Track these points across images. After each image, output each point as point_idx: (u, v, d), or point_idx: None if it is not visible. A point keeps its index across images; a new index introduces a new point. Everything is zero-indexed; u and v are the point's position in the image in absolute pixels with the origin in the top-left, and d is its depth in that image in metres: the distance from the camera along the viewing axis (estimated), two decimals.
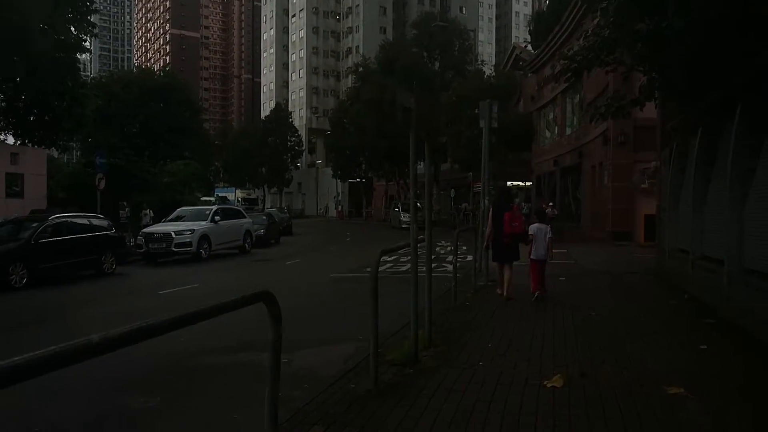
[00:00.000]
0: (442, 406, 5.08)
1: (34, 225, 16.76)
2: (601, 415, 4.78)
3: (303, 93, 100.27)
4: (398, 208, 46.69)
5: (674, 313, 9.44)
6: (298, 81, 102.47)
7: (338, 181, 69.25)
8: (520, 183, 50.01)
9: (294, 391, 6.27)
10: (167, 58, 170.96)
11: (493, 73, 40.65)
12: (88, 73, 76.39)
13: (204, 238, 22.74)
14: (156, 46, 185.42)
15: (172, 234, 21.94)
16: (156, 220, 26.46)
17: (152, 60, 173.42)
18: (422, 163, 32.60)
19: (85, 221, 18.53)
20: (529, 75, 41.65)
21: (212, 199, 73.46)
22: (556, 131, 38.60)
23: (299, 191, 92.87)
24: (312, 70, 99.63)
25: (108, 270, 18.39)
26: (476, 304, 10.53)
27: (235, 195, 79.84)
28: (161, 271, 19.96)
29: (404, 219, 43.75)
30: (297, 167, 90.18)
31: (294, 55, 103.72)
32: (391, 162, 51.64)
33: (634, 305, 10.16)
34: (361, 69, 53.68)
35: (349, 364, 6.90)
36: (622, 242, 24.58)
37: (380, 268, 13.79)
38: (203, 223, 23.30)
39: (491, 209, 11.64)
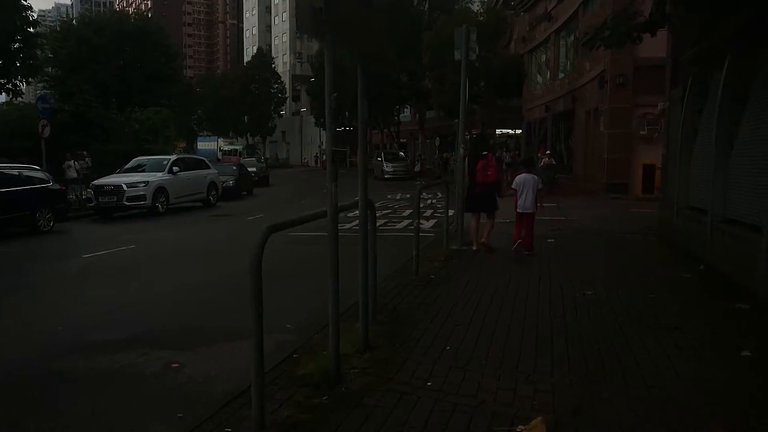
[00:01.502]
0: None
1: None
2: None
3: (286, 37, 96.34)
4: (381, 157, 44.47)
5: (693, 294, 7.42)
6: (281, 24, 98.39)
7: (321, 129, 66.51)
8: (510, 130, 47.80)
9: (157, 424, 4.32)
10: (149, 2, 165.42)
11: (482, 10, 37.83)
12: (68, 16, 71.43)
13: (160, 190, 20.71)
14: None
15: (124, 186, 19.90)
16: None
17: (134, 5, 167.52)
18: (408, 110, 29.91)
19: (15, 173, 16.29)
20: (521, 14, 38.97)
21: (238, 148, 68.69)
22: (549, 76, 36.17)
23: (283, 140, 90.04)
24: (295, 14, 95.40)
25: (44, 227, 16.36)
26: (444, 276, 8.50)
27: (217, 144, 77.05)
28: (106, 228, 17.94)
29: (387, 169, 41.69)
30: (280, 116, 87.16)
31: None
32: (373, 109, 49.12)
33: (639, 280, 8.13)
34: None
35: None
36: (618, 195, 22.57)
37: (349, 226, 12.07)
38: (160, 174, 21.19)
39: (466, 158, 11.00)
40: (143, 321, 7.07)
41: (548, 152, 27.69)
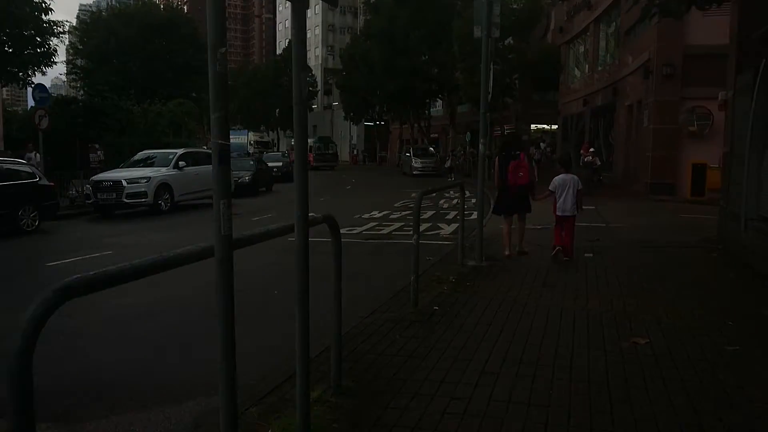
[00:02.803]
0: None
1: None
2: None
3: (319, 30, 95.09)
4: (410, 153, 42.63)
5: None
6: (313, 17, 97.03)
7: (351, 123, 64.86)
8: (546, 126, 45.71)
9: None
10: None
11: None
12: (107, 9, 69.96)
13: (164, 187, 19.31)
14: None
15: (123, 182, 18.50)
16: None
17: None
18: (439, 104, 27.65)
19: None
20: (559, 2, 36.69)
21: (311, 141, 62.03)
22: (587, 68, 33.90)
23: (315, 134, 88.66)
24: (328, 6, 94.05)
25: (28, 227, 14.94)
26: (450, 308, 6.64)
27: (247, 138, 76.18)
28: (96, 227, 16.55)
29: (416, 165, 39.92)
30: (312, 109, 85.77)
31: None
32: (403, 103, 47.26)
33: (708, 320, 6.13)
34: (372, 0, 48.79)
35: None
36: (663, 197, 20.36)
37: (360, 229, 10.35)
38: (164, 169, 19.79)
39: (497, 158, 10.18)
40: (52, 367, 5.36)
41: (592, 149, 25.28)
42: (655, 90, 21.30)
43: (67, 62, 52.63)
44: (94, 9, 64.25)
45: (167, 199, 19.35)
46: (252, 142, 72.14)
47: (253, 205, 21.87)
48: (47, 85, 25.00)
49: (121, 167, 20.55)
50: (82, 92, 54.36)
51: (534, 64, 34.62)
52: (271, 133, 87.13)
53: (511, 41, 34.79)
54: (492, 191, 11.23)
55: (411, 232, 13.81)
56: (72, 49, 51.62)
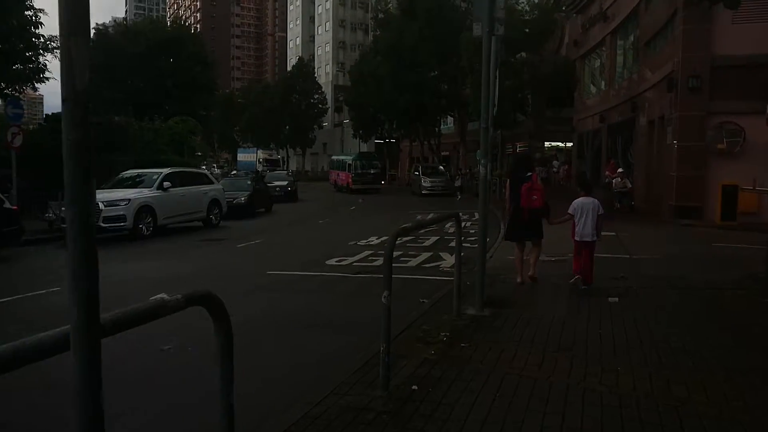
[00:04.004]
0: None
1: None
2: None
3: (329, 48, 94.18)
4: (419, 171, 41.13)
5: None
6: (324, 35, 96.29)
7: (360, 141, 63.47)
8: (560, 143, 44.09)
9: None
10: (198, 15, 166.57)
11: (527, 7, 33.80)
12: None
13: (145, 209, 17.88)
14: (187, 3, 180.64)
15: (100, 205, 16.93)
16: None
17: (183, 17, 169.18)
18: (450, 121, 25.99)
19: None
20: (573, 16, 35.10)
21: (347, 158, 47.82)
22: (603, 85, 32.20)
23: (324, 152, 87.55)
24: (339, 23, 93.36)
25: None
26: (435, 388, 4.93)
27: (256, 156, 75.08)
28: (62, 256, 14.99)
29: (425, 184, 38.47)
30: (321, 127, 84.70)
31: (320, 7, 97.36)
32: (411, 119, 45.73)
33: None
34: (380, 15, 47.47)
35: None
36: (690, 221, 18.56)
37: (351, 260, 8.63)
38: (146, 191, 18.41)
39: (508, 180, 10.03)
40: None
41: (621, 170, 23.42)
42: (679, 104, 19.50)
43: None
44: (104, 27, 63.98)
45: (149, 222, 17.95)
46: (261, 159, 70.98)
47: (245, 229, 20.44)
48: None
49: (103, 187, 19.13)
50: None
51: (547, 79, 33.00)
52: (281, 150, 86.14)
53: (524, 55, 33.25)
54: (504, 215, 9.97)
55: (408, 262, 12.27)
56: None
